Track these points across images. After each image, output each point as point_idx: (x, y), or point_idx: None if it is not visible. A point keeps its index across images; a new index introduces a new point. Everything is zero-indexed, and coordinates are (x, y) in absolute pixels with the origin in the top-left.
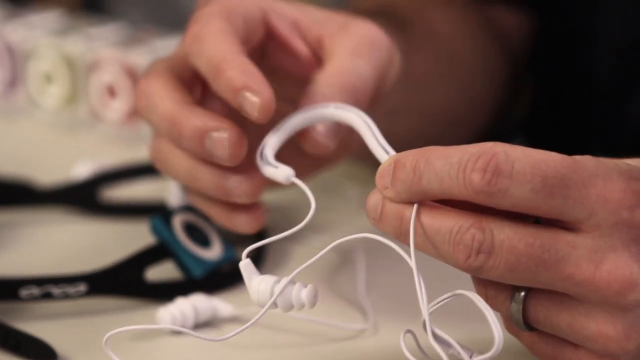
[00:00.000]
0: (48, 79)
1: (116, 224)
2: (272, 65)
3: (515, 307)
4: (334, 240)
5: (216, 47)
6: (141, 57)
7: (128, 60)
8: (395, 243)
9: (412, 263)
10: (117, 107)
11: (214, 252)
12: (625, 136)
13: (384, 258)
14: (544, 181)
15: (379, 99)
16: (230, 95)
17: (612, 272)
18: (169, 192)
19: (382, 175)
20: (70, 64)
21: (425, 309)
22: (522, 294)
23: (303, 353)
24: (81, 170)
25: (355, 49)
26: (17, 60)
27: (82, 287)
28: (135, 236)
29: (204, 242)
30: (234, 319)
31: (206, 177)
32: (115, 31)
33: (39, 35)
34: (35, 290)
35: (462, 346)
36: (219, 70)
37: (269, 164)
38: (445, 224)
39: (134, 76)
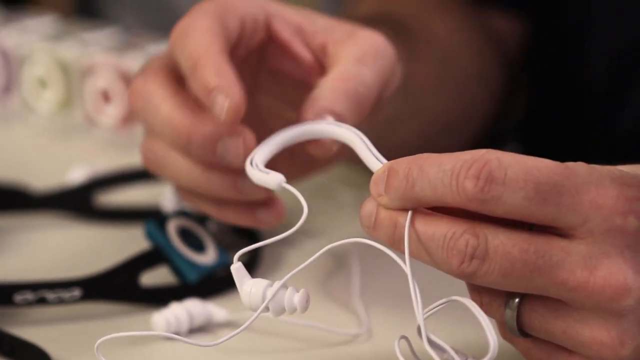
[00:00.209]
0: (42, 84)
1: (111, 228)
2: (273, 67)
3: (510, 314)
4: (328, 245)
5: (197, 44)
6: (136, 62)
7: (123, 65)
8: (389, 248)
9: (406, 269)
10: (112, 112)
11: (208, 257)
12: (620, 139)
13: (379, 263)
14: (537, 188)
15: (380, 106)
16: (202, 94)
17: (606, 278)
18: (164, 197)
19: (376, 183)
20: (64, 69)
21: (420, 314)
22: (517, 300)
23: (297, 358)
24: (76, 175)
25: (360, 56)
26: (12, 65)
27: (76, 292)
28: (130, 241)
29: (199, 247)
30: (229, 324)
31: (217, 180)
32: (109, 36)
33: (34, 40)
34: (29, 296)
35: (457, 351)
36: (195, 67)
37: (260, 170)
38: (439, 230)
39: (128, 81)
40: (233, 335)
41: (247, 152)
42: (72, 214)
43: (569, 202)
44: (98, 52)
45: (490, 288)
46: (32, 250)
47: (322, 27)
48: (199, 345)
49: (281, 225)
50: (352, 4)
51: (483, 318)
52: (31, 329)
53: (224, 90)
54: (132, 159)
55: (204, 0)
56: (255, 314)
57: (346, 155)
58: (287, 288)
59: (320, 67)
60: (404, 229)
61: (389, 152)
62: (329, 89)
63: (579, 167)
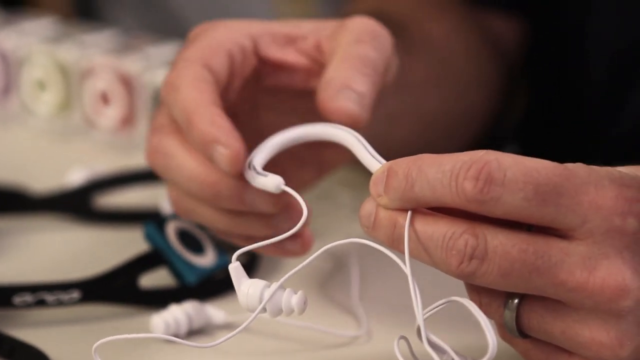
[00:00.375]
0: (41, 86)
1: (110, 230)
2: (269, 86)
3: (509, 315)
4: (327, 246)
5: (188, 97)
6: (135, 64)
7: (122, 67)
8: (388, 248)
9: (406, 269)
10: (111, 114)
11: (207, 259)
12: (619, 140)
13: (378, 264)
14: (536, 189)
15: (382, 92)
16: (201, 147)
17: (605, 279)
18: (163, 199)
19: (375, 183)
20: (63, 71)
21: (419, 315)
22: (516, 301)
23: (296, 359)
24: (75, 177)
25: (357, 38)
26: (11, 67)
27: (75, 294)
28: (129, 243)
29: (198, 249)
30: (227, 326)
31: (249, 223)
32: (108, 38)
33: (33, 42)
34: (28, 297)
35: (457, 353)
36: (190, 122)
37: (258, 173)
38: (439, 229)
39: (127, 83)
40: (230, 337)
41: (233, 164)
42: (71, 216)
43: (568, 203)
44: (97, 54)
45: (489, 289)
46: (31, 252)
47: (309, 29)
48: (197, 347)
49: None
50: (349, 4)
51: (482, 318)
52: (30, 331)
53: (220, 141)
54: (131, 161)
55: (188, 47)
56: (253, 315)
57: (349, 158)
58: (284, 289)
59: (319, 68)
60: (403, 229)
61: (388, 152)
62: (340, 69)
63: (578, 168)
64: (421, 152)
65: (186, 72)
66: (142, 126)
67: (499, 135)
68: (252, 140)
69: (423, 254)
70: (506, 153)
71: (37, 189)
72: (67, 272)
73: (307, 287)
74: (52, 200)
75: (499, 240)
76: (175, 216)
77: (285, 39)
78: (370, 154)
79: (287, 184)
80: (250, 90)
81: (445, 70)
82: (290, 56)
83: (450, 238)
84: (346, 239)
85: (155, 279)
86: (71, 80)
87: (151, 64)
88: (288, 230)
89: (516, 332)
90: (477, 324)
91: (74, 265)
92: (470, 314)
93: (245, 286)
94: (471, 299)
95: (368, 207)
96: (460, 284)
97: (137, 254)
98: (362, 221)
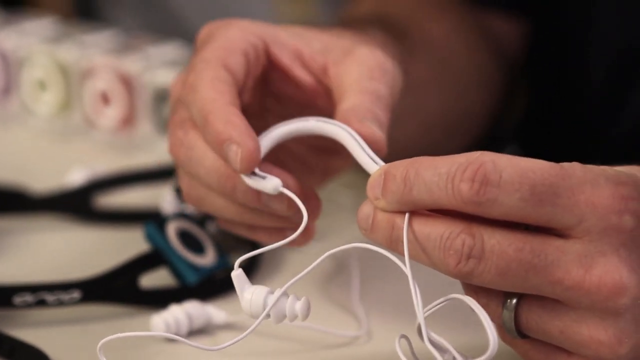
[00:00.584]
0: (42, 86)
1: (110, 231)
2: (276, 91)
3: (507, 315)
4: (328, 247)
5: (206, 97)
6: (135, 64)
7: (122, 67)
8: (389, 250)
9: (406, 269)
10: (111, 114)
11: (207, 259)
12: (619, 140)
13: (378, 265)
14: (532, 189)
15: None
16: (215, 147)
17: (602, 277)
18: (163, 199)
19: (373, 186)
20: (64, 71)
21: (420, 312)
22: (514, 301)
23: None
24: (75, 177)
25: (369, 74)
26: (11, 68)
27: (76, 294)
28: (129, 243)
29: (198, 249)
30: (228, 326)
31: (262, 217)
32: (109, 38)
33: (33, 43)
34: (29, 298)
35: (457, 352)
36: (206, 122)
37: (256, 174)
38: (436, 230)
39: (127, 83)
40: (238, 340)
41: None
42: (71, 216)
43: (564, 202)
44: (97, 54)
45: (487, 290)
46: (32, 252)
47: (319, 48)
48: (203, 349)
49: None
50: (349, 5)
51: (482, 314)
52: (30, 331)
53: (234, 141)
54: (131, 161)
55: (205, 48)
56: (257, 321)
57: (354, 164)
58: (288, 296)
59: (323, 89)
60: (402, 230)
61: (390, 153)
62: (362, 100)
63: (574, 167)
64: (422, 153)
65: (204, 73)
66: (142, 126)
67: (499, 135)
68: None
69: (421, 254)
70: (502, 154)
71: (37, 189)
72: (67, 272)
73: (308, 288)
74: (53, 200)
75: (495, 240)
76: (175, 216)
77: (294, 53)
78: (367, 153)
79: (305, 190)
80: (259, 93)
81: (445, 70)
82: (297, 71)
83: (447, 238)
84: (347, 240)
85: (156, 279)
86: (71, 80)
87: (151, 64)
88: (292, 222)
89: (515, 332)
90: (476, 325)
91: (74, 265)
92: (468, 315)
93: (248, 293)
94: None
95: (366, 209)
96: (459, 285)
97: (138, 254)
98: (360, 224)
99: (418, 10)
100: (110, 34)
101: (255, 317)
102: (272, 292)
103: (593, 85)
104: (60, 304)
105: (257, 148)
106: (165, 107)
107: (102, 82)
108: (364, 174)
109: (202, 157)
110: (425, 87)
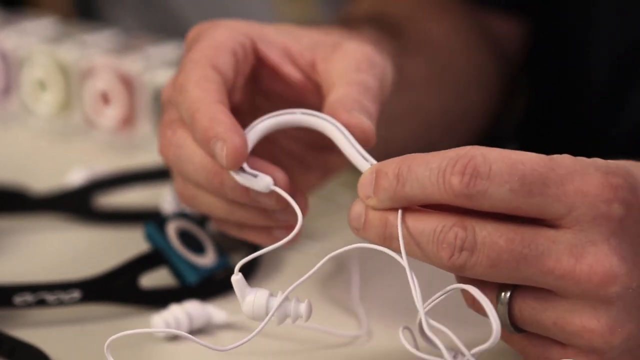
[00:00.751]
0: (42, 86)
1: (110, 230)
2: (266, 89)
3: (501, 309)
4: (328, 247)
5: (193, 96)
6: (135, 63)
7: (122, 67)
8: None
9: (403, 262)
10: (111, 114)
11: (208, 258)
12: (619, 139)
13: (378, 265)
14: (521, 180)
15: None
16: (203, 144)
17: (593, 266)
18: (163, 198)
19: (364, 185)
20: (64, 71)
21: (419, 302)
22: (508, 294)
23: (297, 359)
24: (75, 177)
25: (357, 66)
26: (11, 68)
27: (76, 294)
28: (129, 243)
29: (198, 248)
30: (228, 326)
31: (252, 214)
32: (109, 38)
33: (33, 42)
34: (29, 297)
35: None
36: (193, 120)
37: (246, 172)
38: (429, 224)
39: (127, 83)
40: (245, 342)
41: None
42: (71, 216)
43: (554, 192)
44: (97, 54)
45: (481, 283)
46: (32, 252)
47: (307, 44)
48: (212, 349)
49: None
50: (349, 5)
51: (484, 301)
52: (30, 331)
53: (220, 137)
54: (131, 161)
55: (193, 49)
56: (262, 324)
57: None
58: (290, 299)
59: (313, 85)
60: (395, 227)
61: (390, 152)
62: (349, 92)
63: (564, 158)
64: (422, 152)
65: (193, 73)
66: (142, 126)
67: (499, 135)
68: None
69: (415, 249)
70: (492, 148)
71: (37, 189)
72: (67, 272)
73: (308, 288)
74: (53, 200)
75: (487, 231)
76: (175, 216)
77: (283, 50)
78: (357, 149)
79: (293, 188)
80: (249, 91)
81: (444, 69)
82: (286, 68)
83: (440, 232)
84: (347, 240)
85: (156, 278)
86: (71, 80)
87: (151, 64)
88: (283, 220)
89: (509, 326)
90: (474, 321)
91: (75, 265)
92: (469, 315)
93: (250, 297)
94: (464, 295)
95: (357, 209)
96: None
97: (138, 253)
98: (351, 223)
99: (418, 9)
100: (110, 34)
101: (258, 319)
102: (273, 295)
103: (593, 85)
104: (61, 303)
105: (244, 144)
106: None
107: (102, 82)
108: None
109: (190, 155)
110: (424, 85)
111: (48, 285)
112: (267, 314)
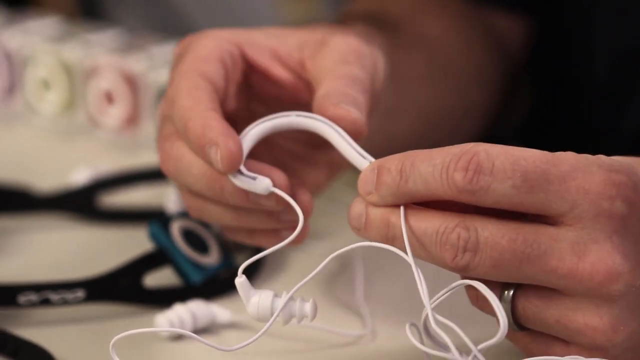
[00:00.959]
0: (46, 85)
1: (114, 230)
2: (259, 93)
3: (505, 307)
4: (332, 246)
5: (184, 106)
6: (139, 63)
7: (126, 66)
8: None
9: (409, 258)
10: (115, 114)
11: (212, 258)
12: (621, 140)
13: (382, 264)
14: (524, 176)
15: (374, 102)
16: (198, 152)
17: (595, 264)
18: (167, 198)
19: (364, 181)
20: (68, 70)
21: (425, 297)
22: (511, 292)
23: (301, 359)
24: (79, 176)
25: (343, 59)
26: (15, 67)
27: (80, 293)
28: (133, 242)
29: (202, 248)
30: (233, 325)
31: (258, 219)
32: (113, 37)
33: (37, 42)
34: (33, 297)
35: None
36: (187, 129)
37: (244, 175)
38: (432, 225)
39: (132, 82)
40: (251, 342)
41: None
42: (75, 215)
43: (556, 189)
44: (101, 53)
45: (485, 282)
46: (36, 251)
47: (294, 44)
48: (217, 349)
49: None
50: (349, 3)
51: (491, 296)
52: (35, 330)
53: (214, 142)
54: (135, 160)
55: (181, 61)
56: (267, 325)
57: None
58: (295, 299)
59: (304, 84)
60: (397, 228)
61: (392, 148)
62: (335, 85)
63: (566, 155)
64: (419, 148)
65: (181, 85)
66: (146, 125)
67: (500, 135)
68: (252, 149)
69: (419, 249)
70: (495, 144)
71: (41, 188)
72: (71, 271)
73: (312, 287)
74: (57, 200)
75: (489, 231)
76: (179, 215)
77: (271, 53)
78: (354, 147)
79: (302, 187)
80: (244, 98)
81: (443, 68)
82: (276, 70)
83: (443, 233)
84: (351, 238)
85: (160, 278)
86: (75, 79)
87: (155, 63)
88: (290, 221)
89: (513, 324)
90: (478, 320)
91: (79, 264)
92: (472, 315)
93: (255, 298)
94: (468, 294)
95: (357, 208)
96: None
97: (142, 253)
98: (352, 223)
99: (417, 7)
100: (114, 33)
101: (263, 320)
102: (277, 296)
103: (595, 85)
104: (65, 303)
105: (238, 146)
106: None
107: (106, 81)
108: None
109: (189, 165)
110: (421, 80)
111: (52, 285)
112: (272, 315)
